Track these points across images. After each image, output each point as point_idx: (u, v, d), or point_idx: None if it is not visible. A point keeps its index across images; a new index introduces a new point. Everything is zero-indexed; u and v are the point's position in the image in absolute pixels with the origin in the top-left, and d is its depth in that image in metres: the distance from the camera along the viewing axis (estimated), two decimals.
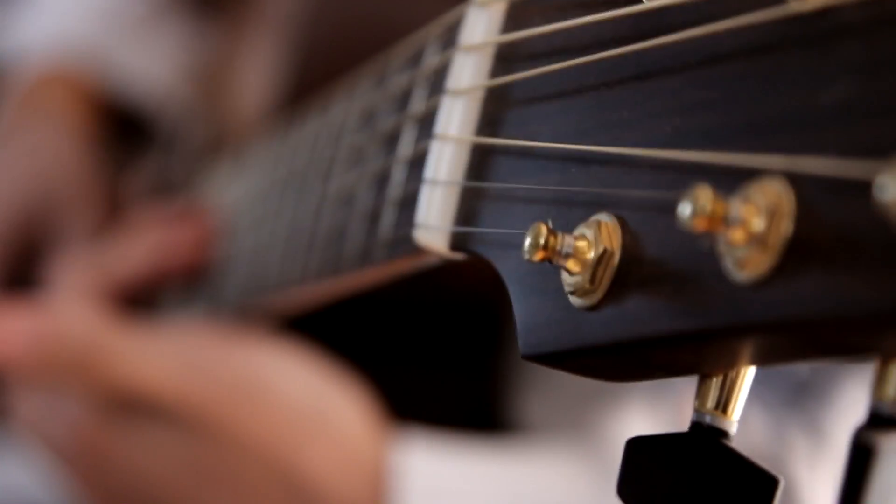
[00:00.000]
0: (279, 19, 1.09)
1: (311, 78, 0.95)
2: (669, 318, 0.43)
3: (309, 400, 0.82)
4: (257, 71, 1.11)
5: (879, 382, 0.39)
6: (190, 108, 1.19)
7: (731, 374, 0.46)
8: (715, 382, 0.46)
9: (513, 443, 0.92)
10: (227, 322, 0.90)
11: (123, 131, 1.20)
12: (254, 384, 0.82)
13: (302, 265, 0.76)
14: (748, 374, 0.46)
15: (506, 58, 0.54)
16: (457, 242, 0.54)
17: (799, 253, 0.39)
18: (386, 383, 0.85)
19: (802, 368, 0.87)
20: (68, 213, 1.11)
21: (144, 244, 0.99)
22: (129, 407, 0.82)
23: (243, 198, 0.94)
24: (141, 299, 1.00)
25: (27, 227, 1.12)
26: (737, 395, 0.46)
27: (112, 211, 1.12)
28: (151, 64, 1.21)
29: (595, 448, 0.90)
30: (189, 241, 0.97)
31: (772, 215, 0.39)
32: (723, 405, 0.46)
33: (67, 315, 0.87)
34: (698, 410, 0.46)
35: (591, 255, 0.46)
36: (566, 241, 0.46)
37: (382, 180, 0.63)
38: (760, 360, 0.44)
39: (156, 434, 0.81)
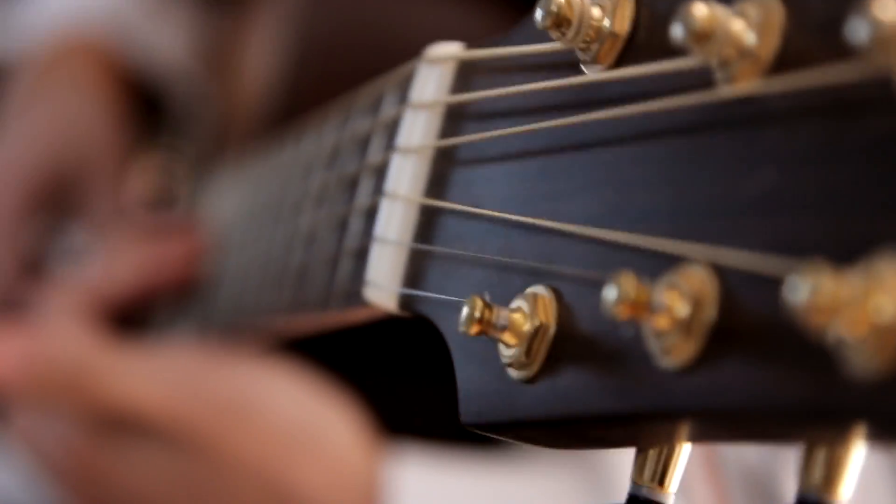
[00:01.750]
0: (283, 3, 1.08)
1: (314, 61, 0.95)
2: (599, 398, 0.43)
3: (299, 417, 0.82)
4: (261, 53, 1.11)
5: (805, 469, 0.39)
6: (202, 87, 1.19)
7: (669, 448, 0.46)
8: (652, 455, 0.46)
9: (505, 457, 0.92)
10: (217, 339, 0.90)
11: (142, 107, 1.20)
12: (244, 402, 0.82)
13: (275, 297, 0.76)
14: (685, 448, 0.46)
15: (455, 116, 0.54)
16: (404, 303, 0.54)
17: (722, 341, 0.39)
18: (378, 397, 0.85)
19: None
20: (93, 177, 1.11)
21: (133, 260, 0.99)
22: (122, 426, 0.82)
23: (234, 214, 0.93)
24: (132, 315, 1.00)
25: (52, 185, 1.11)
26: (674, 469, 0.46)
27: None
28: (169, 41, 1.21)
29: (587, 463, 0.90)
30: (179, 256, 0.97)
31: (696, 303, 0.39)
32: (659, 478, 0.46)
33: (58, 336, 0.88)
34: (635, 482, 0.46)
35: (526, 328, 0.46)
36: (502, 315, 0.46)
37: (342, 226, 0.63)
38: (693, 439, 0.44)
39: (148, 452, 0.82)
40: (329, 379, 0.84)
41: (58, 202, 1.11)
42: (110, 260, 1.02)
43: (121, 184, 1.11)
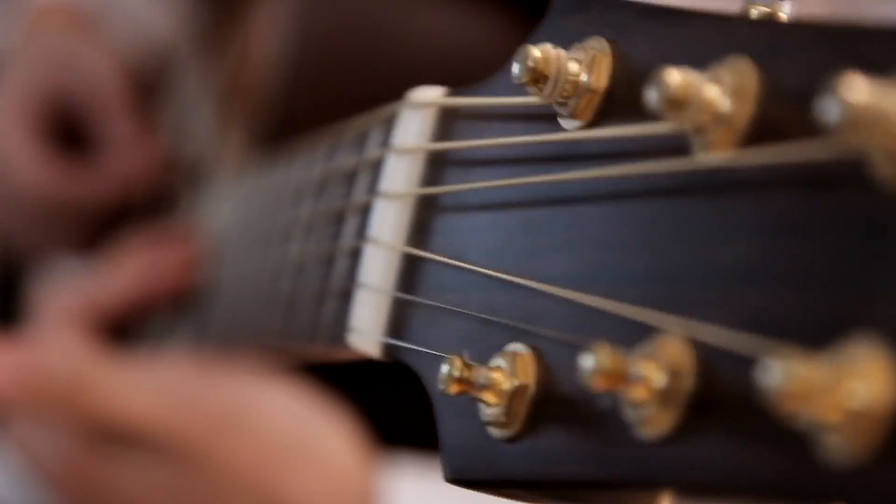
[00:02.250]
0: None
1: (314, 56, 0.95)
2: (578, 463, 0.43)
3: (293, 429, 0.82)
4: (261, 47, 1.10)
5: None
6: (191, 67, 1.19)
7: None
8: None
9: None
10: (212, 351, 0.90)
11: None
12: (238, 414, 0.82)
13: (266, 321, 0.76)
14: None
15: (437, 163, 0.54)
16: (387, 351, 0.54)
17: (699, 414, 0.38)
18: (372, 408, 0.85)
19: None
20: (107, 106, 1.12)
21: (130, 270, 0.99)
22: (117, 437, 0.82)
23: (229, 223, 0.93)
24: (128, 325, 1.00)
25: (66, 111, 1.12)
26: None
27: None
28: (154, 22, 1.21)
29: None
30: (176, 265, 0.97)
31: (673, 373, 0.39)
32: None
33: (53, 348, 0.88)
34: None
35: (507, 387, 0.46)
36: (482, 374, 0.46)
37: (329, 262, 0.63)
38: (677, 499, 0.44)
39: (142, 464, 0.81)
40: (324, 390, 0.84)
41: (65, 129, 1.12)
42: (106, 271, 1.02)
43: (131, 109, 1.11)
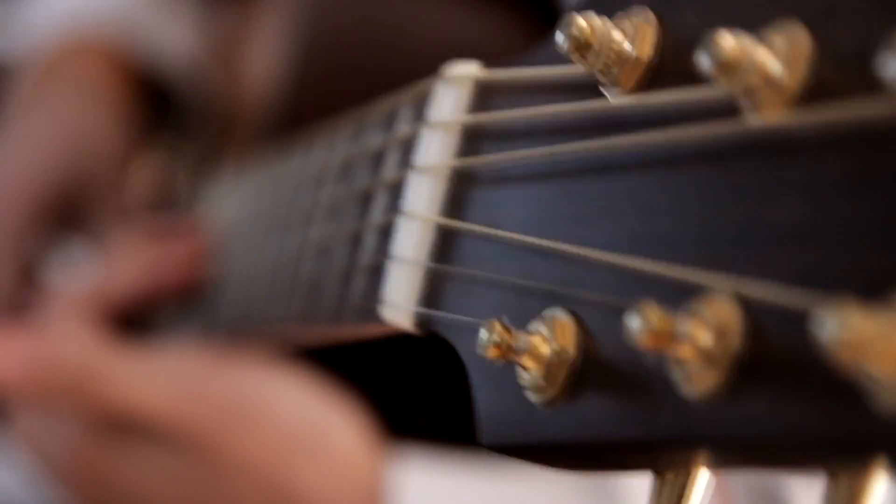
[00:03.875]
0: (288, 2, 1.08)
1: (319, 60, 0.95)
2: (619, 425, 0.43)
3: (303, 420, 0.82)
4: (266, 52, 1.11)
5: (828, 498, 0.39)
6: (208, 85, 1.19)
7: (686, 472, 0.46)
8: (670, 480, 0.46)
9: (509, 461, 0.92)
10: (221, 343, 0.90)
11: (147, 102, 1.20)
12: (248, 405, 0.82)
13: (285, 307, 0.76)
14: (703, 474, 0.46)
15: (473, 136, 0.54)
16: (421, 322, 0.54)
17: (746, 372, 0.39)
18: (381, 400, 0.85)
19: None
20: (103, 190, 1.11)
21: (138, 262, 0.99)
22: (125, 428, 0.82)
23: (236, 218, 0.93)
24: (136, 317, 1.00)
25: (63, 200, 1.11)
26: (691, 493, 0.46)
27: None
28: (175, 37, 1.21)
29: None
30: (183, 258, 0.96)
31: (720, 333, 0.39)
32: (676, 502, 0.46)
33: (62, 338, 0.88)
34: None
35: (545, 352, 0.46)
36: (521, 339, 0.46)
37: (356, 241, 0.63)
38: (713, 466, 0.44)
39: (151, 454, 0.81)
40: (333, 382, 0.84)
41: (64, 213, 1.11)
42: (114, 263, 1.01)
43: (125, 188, 1.11)
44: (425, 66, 0.60)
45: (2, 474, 1.17)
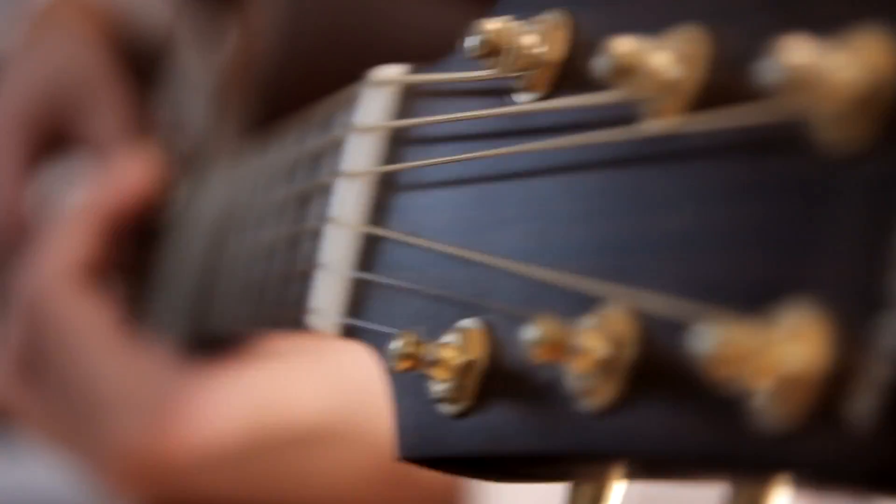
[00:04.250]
0: None
1: (303, 48, 0.94)
2: (523, 438, 0.42)
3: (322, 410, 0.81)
4: (249, 29, 1.10)
5: None
6: (190, 46, 1.19)
7: (600, 483, 0.45)
8: (586, 488, 0.45)
9: None
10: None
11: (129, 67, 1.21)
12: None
13: (241, 309, 0.75)
14: (618, 482, 0.45)
15: (397, 141, 0.54)
16: (346, 331, 0.54)
17: (640, 385, 0.38)
18: None
19: None
20: (91, 101, 1.11)
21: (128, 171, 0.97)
22: None
23: (220, 214, 0.92)
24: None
25: (51, 115, 1.13)
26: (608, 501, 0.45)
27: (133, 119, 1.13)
28: (154, 8, 1.22)
29: None
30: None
31: (616, 344, 0.38)
32: None
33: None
34: None
35: (457, 362, 0.45)
36: (432, 350, 0.45)
37: (294, 245, 0.63)
38: (623, 477, 0.43)
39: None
40: None
41: (60, 132, 1.13)
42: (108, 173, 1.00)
43: (123, 106, 1.11)
44: (409, 57, 0.59)
45: (33, 471, 1.17)
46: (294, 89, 0.92)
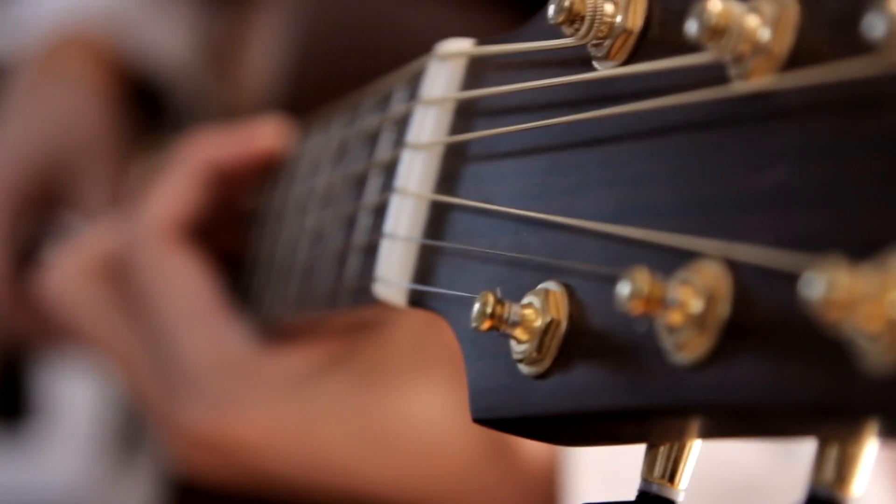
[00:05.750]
0: (285, 2, 1.08)
1: (315, 60, 0.94)
2: (611, 394, 0.43)
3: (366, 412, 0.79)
4: (263, 52, 1.10)
5: (817, 465, 0.39)
6: (203, 84, 1.18)
7: (679, 444, 0.46)
8: (662, 452, 0.46)
9: None
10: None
11: (139, 102, 1.20)
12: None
13: (281, 295, 0.76)
14: (695, 444, 0.46)
15: (465, 113, 0.54)
16: (414, 299, 0.54)
17: (735, 337, 0.39)
18: None
19: None
20: (87, 169, 1.10)
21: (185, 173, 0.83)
22: None
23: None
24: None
25: (44, 180, 1.11)
26: (684, 465, 0.46)
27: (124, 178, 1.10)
28: (167, 36, 1.20)
29: None
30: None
31: (709, 298, 0.39)
32: (669, 475, 0.46)
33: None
34: (646, 479, 0.46)
35: (538, 324, 0.46)
36: (513, 310, 0.46)
37: (350, 223, 0.63)
38: (705, 435, 0.44)
39: None
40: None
41: (51, 196, 1.11)
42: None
43: (117, 174, 1.10)
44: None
45: (36, 471, 1.17)
46: (310, 89, 0.92)
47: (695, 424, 0.43)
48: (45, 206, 1.11)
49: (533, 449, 0.75)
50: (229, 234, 0.84)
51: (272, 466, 0.76)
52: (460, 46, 0.56)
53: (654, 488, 0.46)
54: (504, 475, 0.76)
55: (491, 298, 0.46)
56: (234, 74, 1.17)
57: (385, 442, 0.75)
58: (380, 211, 0.59)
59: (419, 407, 0.75)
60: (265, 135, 0.81)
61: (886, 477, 0.74)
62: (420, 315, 0.55)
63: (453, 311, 0.51)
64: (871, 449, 0.39)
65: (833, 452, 0.39)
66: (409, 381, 0.75)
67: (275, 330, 0.78)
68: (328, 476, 0.76)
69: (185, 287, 0.76)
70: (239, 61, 1.17)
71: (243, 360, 0.74)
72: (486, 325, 0.46)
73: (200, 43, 1.22)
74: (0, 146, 1.14)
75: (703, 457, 0.47)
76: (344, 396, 0.74)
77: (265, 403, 0.73)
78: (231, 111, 1.13)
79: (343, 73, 0.92)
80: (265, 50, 1.10)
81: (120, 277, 0.81)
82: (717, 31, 0.39)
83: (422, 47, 0.56)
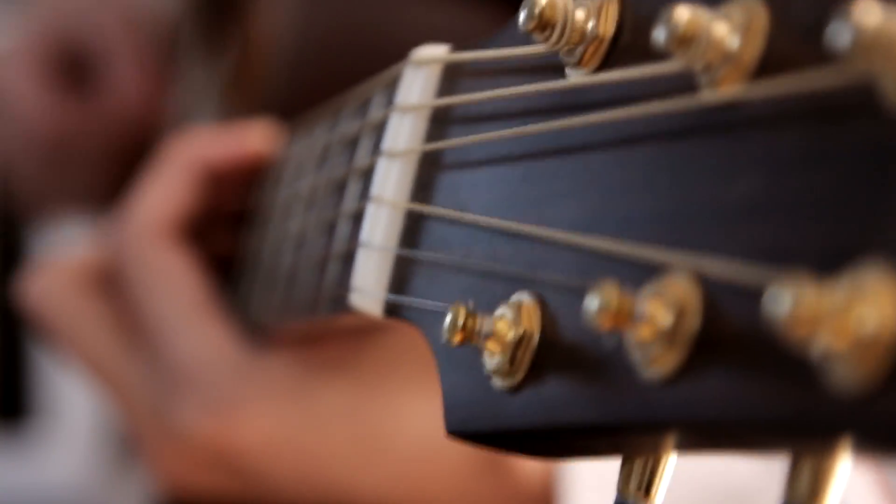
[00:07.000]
0: (278, 2, 1.08)
1: (311, 59, 0.94)
2: (582, 409, 0.42)
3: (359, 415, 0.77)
4: (267, 24, 1.10)
5: (791, 480, 0.39)
6: (192, 50, 1.19)
7: (654, 458, 0.45)
8: (638, 464, 0.45)
9: None
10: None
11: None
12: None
13: (268, 298, 0.75)
14: (671, 458, 0.45)
15: (440, 120, 0.54)
16: (390, 309, 0.54)
17: (706, 352, 0.38)
18: None
19: None
20: (116, 50, 1.13)
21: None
22: None
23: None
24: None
25: (75, 48, 1.15)
26: (660, 479, 0.45)
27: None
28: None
29: None
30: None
31: (679, 312, 0.38)
32: (645, 488, 0.45)
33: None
34: (621, 492, 0.45)
35: (510, 337, 0.45)
36: (486, 323, 0.45)
37: (330, 230, 0.63)
38: (679, 449, 0.43)
39: None
40: None
41: (82, 66, 1.14)
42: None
43: (138, 59, 1.11)
44: None
45: (40, 471, 1.17)
46: (304, 91, 0.92)
47: (668, 439, 0.42)
48: (77, 78, 1.15)
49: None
50: (219, 238, 0.82)
51: (267, 471, 0.75)
52: (435, 52, 0.55)
53: (630, 502, 0.45)
54: (500, 485, 0.75)
55: (462, 311, 0.46)
56: (231, 56, 1.16)
57: (380, 449, 0.75)
58: (358, 218, 0.58)
59: (416, 415, 0.75)
60: (255, 137, 0.80)
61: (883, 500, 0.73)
62: (397, 325, 0.54)
63: (428, 322, 0.51)
64: (844, 464, 0.38)
65: (806, 467, 0.38)
66: (407, 389, 0.75)
67: (264, 334, 0.77)
68: (321, 482, 0.76)
69: (178, 285, 0.74)
70: (236, 44, 1.16)
71: (240, 361, 0.73)
72: (458, 338, 0.46)
73: (194, 16, 1.23)
74: (25, 24, 1.18)
75: (690, 464, 0.46)
76: (342, 402, 0.73)
77: (265, 406, 0.72)
78: (230, 92, 1.13)
79: (339, 74, 0.92)
80: (265, 33, 1.10)
81: (111, 288, 0.80)
82: (684, 40, 0.39)
83: (419, 37, 0.55)
